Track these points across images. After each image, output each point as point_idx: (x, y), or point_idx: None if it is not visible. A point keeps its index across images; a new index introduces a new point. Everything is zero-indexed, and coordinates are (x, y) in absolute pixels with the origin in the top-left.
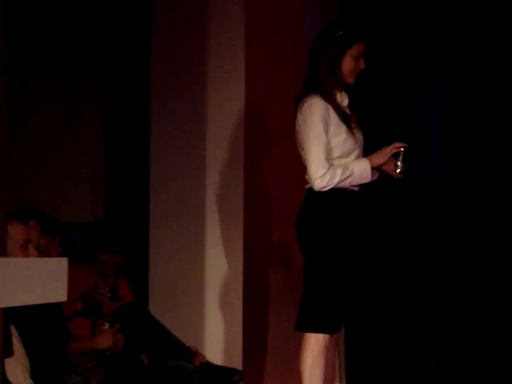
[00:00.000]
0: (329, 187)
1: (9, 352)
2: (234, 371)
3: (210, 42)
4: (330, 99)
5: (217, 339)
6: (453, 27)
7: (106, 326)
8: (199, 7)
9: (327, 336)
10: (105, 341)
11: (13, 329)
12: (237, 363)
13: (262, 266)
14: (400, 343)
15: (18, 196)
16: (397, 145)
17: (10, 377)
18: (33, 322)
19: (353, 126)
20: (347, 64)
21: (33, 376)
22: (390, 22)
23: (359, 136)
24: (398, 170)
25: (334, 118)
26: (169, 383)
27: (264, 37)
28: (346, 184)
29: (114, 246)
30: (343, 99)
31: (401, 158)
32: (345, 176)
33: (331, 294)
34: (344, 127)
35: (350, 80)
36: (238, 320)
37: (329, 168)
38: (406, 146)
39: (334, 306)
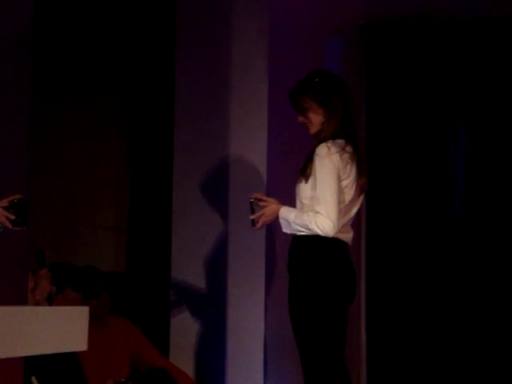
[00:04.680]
0: None
1: None
2: None
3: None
4: None
5: None
6: (477, 77)
7: None
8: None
9: None
10: None
11: (34, 379)
12: None
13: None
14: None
15: (40, 243)
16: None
17: None
18: (52, 371)
19: None
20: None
21: None
22: (413, 71)
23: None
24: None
25: None
26: None
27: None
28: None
29: (101, 284)
30: None
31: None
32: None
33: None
34: None
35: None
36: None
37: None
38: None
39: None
